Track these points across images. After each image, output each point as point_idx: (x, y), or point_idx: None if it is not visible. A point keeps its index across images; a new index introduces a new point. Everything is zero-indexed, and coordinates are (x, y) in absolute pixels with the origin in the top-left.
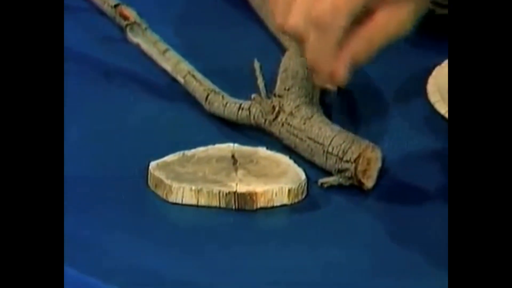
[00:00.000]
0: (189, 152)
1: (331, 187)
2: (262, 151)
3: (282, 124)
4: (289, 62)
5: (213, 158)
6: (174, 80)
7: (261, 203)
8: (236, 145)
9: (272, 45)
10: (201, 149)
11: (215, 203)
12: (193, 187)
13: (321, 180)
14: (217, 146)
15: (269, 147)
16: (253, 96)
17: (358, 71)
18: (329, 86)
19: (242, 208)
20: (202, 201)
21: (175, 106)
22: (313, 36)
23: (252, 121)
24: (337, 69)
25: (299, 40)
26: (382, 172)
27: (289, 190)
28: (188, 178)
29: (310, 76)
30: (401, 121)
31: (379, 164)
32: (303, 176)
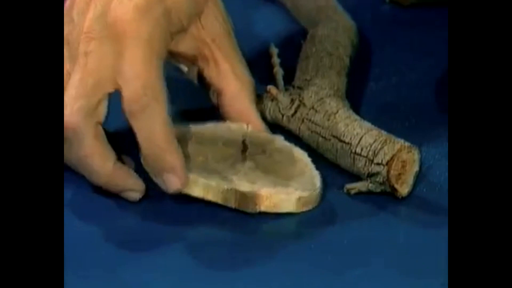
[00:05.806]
0: (195, 126)
1: (359, 193)
2: (278, 140)
3: (303, 120)
4: (311, 48)
5: (221, 140)
6: (175, 67)
7: (264, 207)
8: (250, 128)
9: (292, 27)
10: (209, 125)
11: (211, 197)
12: (188, 175)
13: (347, 186)
14: (228, 124)
15: None
16: (268, 87)
17: (394, 58)
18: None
19: (242, 209)
20: (196, 193)
21: (175, 97)
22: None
23: (268, 117)
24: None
25: None
26: (419, 177)
27: (298, 199)
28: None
29: (335, 64)
30: (442, 117)
31: (416, 168)
32: (318, 184)
